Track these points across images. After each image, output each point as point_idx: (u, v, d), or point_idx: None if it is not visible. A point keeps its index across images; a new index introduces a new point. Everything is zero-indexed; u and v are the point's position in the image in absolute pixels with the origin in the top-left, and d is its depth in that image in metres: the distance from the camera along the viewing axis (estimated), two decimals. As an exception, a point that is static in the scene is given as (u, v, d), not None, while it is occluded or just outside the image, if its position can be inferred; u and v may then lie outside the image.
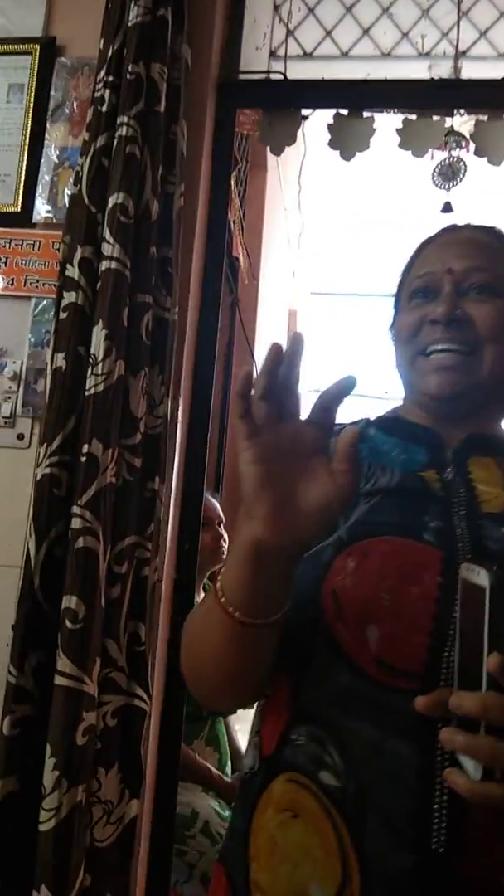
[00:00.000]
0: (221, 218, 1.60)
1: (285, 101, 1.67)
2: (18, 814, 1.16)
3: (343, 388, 0.56)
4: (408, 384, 0.82)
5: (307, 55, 1.72)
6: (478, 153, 1.64)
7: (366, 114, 1.64)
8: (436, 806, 0.58)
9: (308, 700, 0.66)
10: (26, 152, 1.55)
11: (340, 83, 1.64)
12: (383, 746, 0.60)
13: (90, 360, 1.26)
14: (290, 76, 1.67)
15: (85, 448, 1.22)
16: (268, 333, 2.97)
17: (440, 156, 1.74)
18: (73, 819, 1.10)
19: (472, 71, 1.63)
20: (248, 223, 2.30)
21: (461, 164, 1.69)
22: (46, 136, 1.56)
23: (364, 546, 0.67)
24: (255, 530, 0.57)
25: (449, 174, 1.68)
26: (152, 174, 1.37)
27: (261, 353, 2.65)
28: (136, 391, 1.30)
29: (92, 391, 1.24)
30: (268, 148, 1.71)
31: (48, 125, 1.56)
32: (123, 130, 1.34)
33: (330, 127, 1.66)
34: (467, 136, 1.65)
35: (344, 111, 1.65)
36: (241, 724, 1.87)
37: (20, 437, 1.46)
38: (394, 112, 1.65)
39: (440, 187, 1.71)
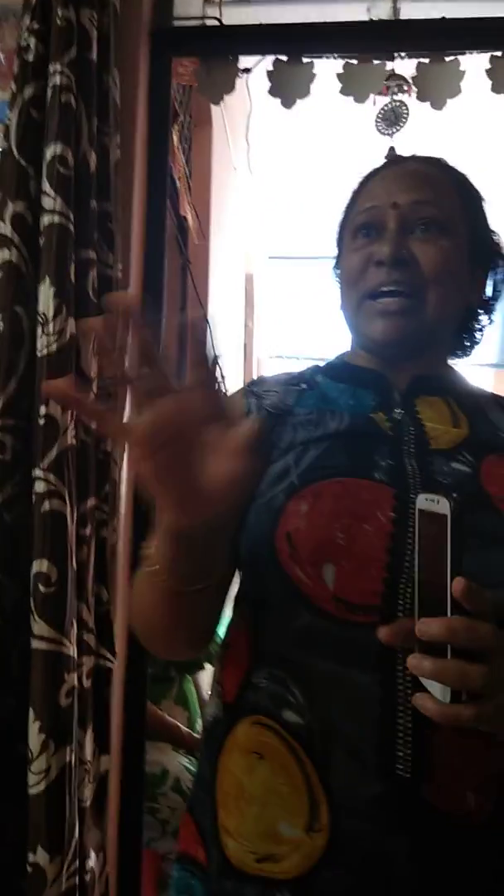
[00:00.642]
0: (162, 171, 1.56)
1: (221, 48, 1.63)
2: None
3: (203, 334, 0.54)
4: (353, 327, 0.81)
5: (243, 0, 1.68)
6: (420, 97, 1.61)
7: (305, 59, 1.60)
8: (399, 734, 0.59)
9: (268, 643, 0.67)
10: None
11: (278, 28, 1.60)
12: (345, 680, 0.61)
13: (39, 319, 1.22)
14: (227, 22, 1.63)
15: (43, 410, 1.19)
16: (224, 297, 2.94)
17: (383, 102, 1.71)
18: (64, 780, 1.11)
19: (410, 12, 1.60)
20: (195, 182, 2.25)
21: (403, 108, 1.67)
22: (-27, 90, 1.50)
23: (316, 488, 0.67)
24: (166, 521, 0.55)
25: (392, 118, 1.66)
26: (88, 125, 1.32)
27: (215, 317, 2.62)
28: (87, 350, 1.27)
29: (45, 351, 1.21)
30: (210, 100, 1.67)
31: (-26, 79, 1.50)
32: (57, 79, 1.29)
33: (270, 74, 1.63)
34: (409, 80, 1.62)
35: (283, 57, 1.61)
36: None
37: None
38: (334, 57, 1.62)
39: (384, 133, 1.69)
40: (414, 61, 1.62)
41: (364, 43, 1.59)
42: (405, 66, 1.64)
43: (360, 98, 1.61)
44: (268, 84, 1.62)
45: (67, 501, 1.19)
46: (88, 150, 1.32)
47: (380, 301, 0.74)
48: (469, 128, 2.99)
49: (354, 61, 1.61)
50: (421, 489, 0.65)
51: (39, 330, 1.22)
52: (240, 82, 1.70)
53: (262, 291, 4.49)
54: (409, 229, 0.75)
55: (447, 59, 1.58)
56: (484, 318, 0.83)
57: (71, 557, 1.18)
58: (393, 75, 1.57)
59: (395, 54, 1.61)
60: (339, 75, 1.62)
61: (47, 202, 1.25)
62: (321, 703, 0.61)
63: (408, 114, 1.70)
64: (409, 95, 1.67)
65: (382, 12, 1.61)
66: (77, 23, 1.33)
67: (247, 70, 1.78)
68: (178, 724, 1.67)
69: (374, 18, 1.60)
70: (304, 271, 4.96)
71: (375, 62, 1.61)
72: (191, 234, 2.26)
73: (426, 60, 1.61)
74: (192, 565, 0.59)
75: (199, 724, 1.76)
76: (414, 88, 1.63)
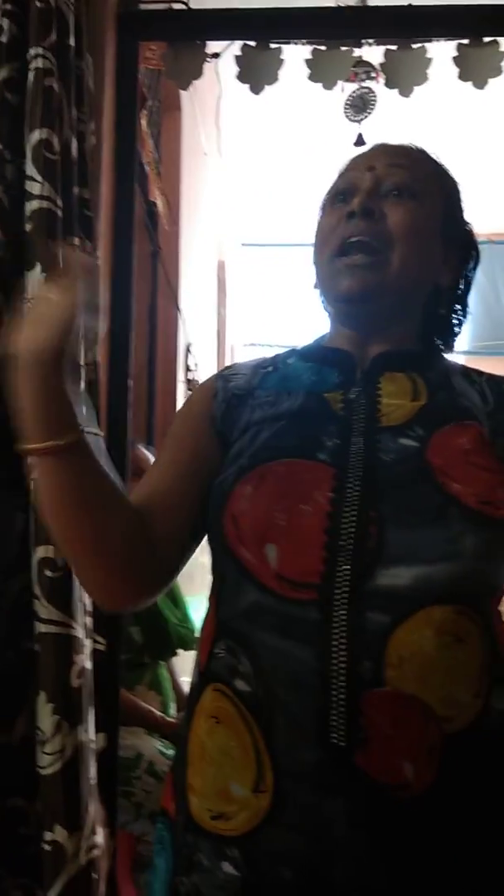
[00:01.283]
0: (130, 156, 1.55)
1: (189, 33, 1.62)
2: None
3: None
4: (325, 293, 0.81)
5: (211, -17, 1.66)
6: (388, 84, 1.62)
7: (273, 45, 1.60)
8: (333, 704, 0.62)
9: (225, 617, 0.70)
10: None
11: (245, 12, 1.59)
12: (287, 653, 0.64)
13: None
14: (194, 6, 1.62)
15: None
16: (196, 285, 2.93)
17: (351, 88, 1.71)
18: (78, 759, 1.14)
19: (378, -1, 1.61)
20: (164, 167, 2.24)
21: (371, 94, 1.67)
22: None
23: (261, 470, 0.70)
24: (18, 357, 0.64)
25: (360, 105, 1.67)
26: (68, 111, 1.31)
27: (186, 303, 2.61)
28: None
29: None
30: (178, 85, 1.66)
31: None
32: (40, 63, 1.26)
33: (238, 59, 1.62)
34: (377, 67, 1.63)
35: (251, 43, 1.61)
36: (188, 677, 1.89)
37: None
38: (302, 43, 1.62)
39: (352, 120, 1.69)
40: (382, 48, 1.63)
41: (332, 29, 1.60)
42: (373, 52, 1.65)
43: (328, 85, 1.62)
44: (237, 69, 1.62)
45: None
46: (70, 136, 1.30)
47: (347, 257, 0.75)
48: (436, 115, 3.02)
49: (322, 48, 1.61)
50: (361, 468, 0.68)
51: None
52: (209, 67, 1.69)
53: (235, 278, 4.48)
54: (383, 194, 0.76)
55: (414, 46, 1.59)
56: (457, 307, 0.84)
57: None
58: (361, 62, 1.58)
59: (363, 41, 1.61)
60: (307, 61, 1.62)
61: (34, 187, 1.22)
62: (266, 674, 0.65)
63: (376, 101, 1.70)
64: (378, 82, 1.68)
65: (350, -1, 1.61)
66: (55, 7, 1.31)
67: (215, 55, 1.77)
68: (152, 708, 1.69)
69: (341, 5, 1.60)
70: (277, 258, 4.96)
71: (343, 49, 1.61)
72: (161, 220, 2.25)
73: (394, 47, 1.61)
74: (45, 410, 0.65)
75: (172, 709, 1.78)
76: (382, 75, 1.64)
